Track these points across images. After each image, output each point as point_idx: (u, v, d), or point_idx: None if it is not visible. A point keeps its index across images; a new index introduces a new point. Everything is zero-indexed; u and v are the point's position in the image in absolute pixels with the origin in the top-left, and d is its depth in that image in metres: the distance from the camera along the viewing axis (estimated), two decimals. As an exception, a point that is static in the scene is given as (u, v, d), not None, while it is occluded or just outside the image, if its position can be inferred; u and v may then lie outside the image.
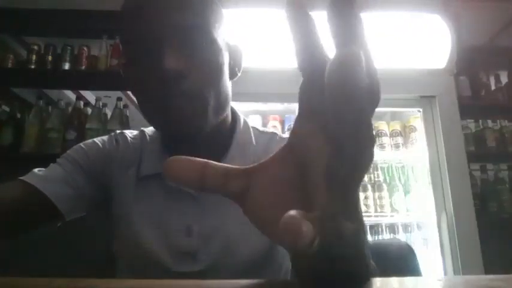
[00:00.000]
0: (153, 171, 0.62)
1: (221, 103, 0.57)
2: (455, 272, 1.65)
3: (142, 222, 0.61)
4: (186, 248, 0.59)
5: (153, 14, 0.52)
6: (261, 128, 0.70)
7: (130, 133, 0.71)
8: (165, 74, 0.49)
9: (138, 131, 0.71)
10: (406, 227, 1.94)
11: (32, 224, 0.61)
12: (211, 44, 0.55)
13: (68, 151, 0.66)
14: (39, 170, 0.62)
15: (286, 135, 0.69)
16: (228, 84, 0.60)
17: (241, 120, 0.67)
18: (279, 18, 1.78)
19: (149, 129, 0.71)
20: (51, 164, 0.64)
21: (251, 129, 0.67)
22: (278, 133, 0.70)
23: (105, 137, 0.69)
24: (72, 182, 0.62)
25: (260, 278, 0.34)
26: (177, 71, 0.50)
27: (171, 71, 0.50)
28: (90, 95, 2.57)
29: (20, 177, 0.60)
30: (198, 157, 0.63)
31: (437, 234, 1.75)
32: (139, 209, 0.62)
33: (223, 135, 0.64)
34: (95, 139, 0.68)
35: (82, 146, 0.66)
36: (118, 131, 0.71)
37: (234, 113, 0.68)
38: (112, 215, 0.65)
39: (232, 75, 0.63)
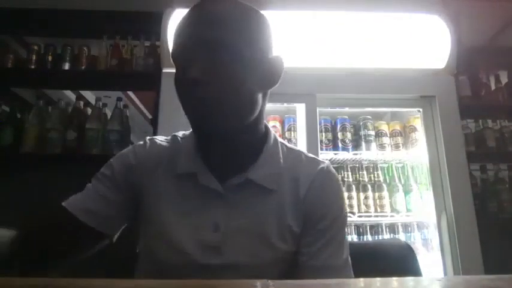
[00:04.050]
0: (186, 170, 0.67)
1: (240, 110, 0.63)
2: (455, 272, 1.65)
3: (173, 218, 0.65)
4: (212, 243, 0.64)
5: (190, 31, 0.62)
6: (288, 145, 0.76)
7: (161, 138, 0.76)
8: (188, 81, 0.59)
9: (171, 135, 0.76)
10: (406, 227, 1.94)
11: (73, 245, 0.67)
12: (234, 58, 0.61)
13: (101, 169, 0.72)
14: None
15: (312, 155, 0.75)
16: (251, 94, 0.64)
17: (272, 136, 0.73)
18: (279, 20, 1.78)
19: (180, 133, 0.76)
20: (87, 184, 0.70)
21: (280, 145, 0.73)
22: (304, 152, 0.75)
23: (133, 145, 0.75)
24: (93, 194, 0.67)
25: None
26: (198, 80, 0.59)
27: (193, 79, 0.59)
28: (90, 95, 2.58)
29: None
30: (228, 161, 0.67)
31: (437, 234, 1.75)
32: (171, 206, 0.66)
33: (253, 145, 0.69)
34: (125, 149, 0.74)
35: (111, 160, 0.72)
36: (148, 137, 0.75)
37: (266, 128, 0.73)
38: (141, 215, 0.69)
39: (265, 85, 0.67)
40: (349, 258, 0.68)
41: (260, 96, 0.66)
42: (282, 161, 0.70)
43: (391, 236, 1.91)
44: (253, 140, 0.69)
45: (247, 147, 0.68)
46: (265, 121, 0.73)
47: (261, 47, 0.64)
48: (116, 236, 0.70)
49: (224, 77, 0.60)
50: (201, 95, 0.59)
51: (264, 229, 0.65)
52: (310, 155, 0.75)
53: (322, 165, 0.72)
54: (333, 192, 0.71)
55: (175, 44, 0.64)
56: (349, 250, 0.69)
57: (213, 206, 0.65)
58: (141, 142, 0.74)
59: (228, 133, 0.64)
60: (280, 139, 0.75)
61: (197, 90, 0.59)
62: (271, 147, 0.71)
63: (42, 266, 0.63)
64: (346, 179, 1.96)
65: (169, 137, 0.75)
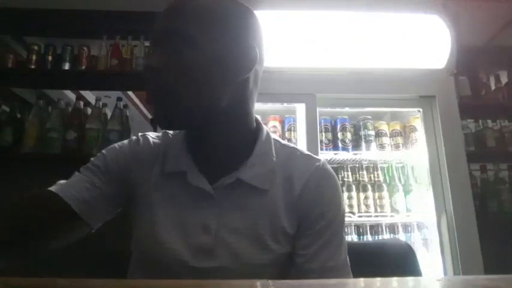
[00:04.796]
0: (176, 169, 0.65)
1: (201, 102, 0.60)
2: (455, 272, 1.65)
3: (163, 217, 0.64)
4: (203, 245, 0.62)
5: (158, 21, 0.62)
6: (282, 141, 0.73)
7: (153, 134, 0.74)
8: (144, 70, 0.60)
9: (162, 132, 0.74)
10: (406, 227, 1.94)
11: (54, 231, 0.63)
12: (193, 49, 0.59)
13: (91, 159, 0.70)
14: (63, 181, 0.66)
15: (307, 152, 0.72)
16: (217, 86, 0.61)
17: (264, 132, 0.70)
18: (280, 20, 1.78)
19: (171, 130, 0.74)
20: (75, 173, 0.67)
21: (272, 142, 0.70)
22: (299, 149, 0.72)
23: (126, 140, 0.73)
24: (89, 184, 0.64)
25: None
26: (153, 68, 0.59)
27: (148, 67, 0.59)
28: (90, 95, 2.58)
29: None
30: (219, 160, 0.66)
31: (437, 234, 1.75)
32: (161, 205, 0.65)
33: (243, 142, 0.67)
34: (116, 143, 0.72)
35: (103, 151, 0.70)
36: (140, 134, 0.74)
37: (258, 124, 0.71)
38: (133, 213, 0.68)
39: (231, 75, 0.62)
40: (348, 259, 0.66)
41: (225, 86, 0.62)
42: (274, 158, 0.68)
43: (391, 236, 1.91)
44: (243, 136, 0.67)
45: (236, 145, 0.66)
46: (256, 116, 0.70)
47: (225, 36, 0.61)
48: (94, 229, 0.67)
49: (181, 67, 0.59)
50: (154, 83, 0.59)
51: (257, 231, 0.63)
52: (305, 151, 0.72)
53: (317, 163, 0.69)
54: (330, 191, 0.67)
55: None
56: (347, 250, 0.67)
57: (203, 207, 0.63)
58: (134, 138, 0.72)
59: (190, 123, 0.63)
60: (274, 135, 0.73)
61: (151, 79, 0.59)
62: (263, 144, 0.68)
63: (20, 250, 0.60)
64: (346, 179, 1.96)
65: (160, 134, 0.74)
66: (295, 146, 0.73)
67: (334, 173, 0.70)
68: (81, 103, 2.05)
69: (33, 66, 2.00)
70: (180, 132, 0.71)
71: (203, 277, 0.59)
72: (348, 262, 0.66)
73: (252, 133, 0.69)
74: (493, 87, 2.31)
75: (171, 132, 0.73)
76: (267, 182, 0.65)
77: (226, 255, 0.61)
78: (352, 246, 0.69)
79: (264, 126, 0.71)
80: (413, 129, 1.98)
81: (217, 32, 0.60)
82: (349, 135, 1.97)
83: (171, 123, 0.62)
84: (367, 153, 1.98)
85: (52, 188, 0.63)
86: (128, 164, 0.68)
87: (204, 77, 0.60)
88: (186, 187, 0.64)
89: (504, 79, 2.32)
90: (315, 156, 0.71)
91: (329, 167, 0.70)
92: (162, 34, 0.61)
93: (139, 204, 0.67)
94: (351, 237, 1.89)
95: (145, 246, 0.65)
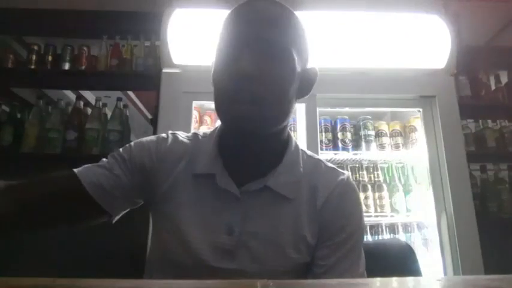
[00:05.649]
0: (206, 171, 0.67)
1: (280, 113, 0.63)
2: (455, 272, 1.65)
3: (187, 217, 0.65)
4: (224, 245, 0.63)
5: (243, 27, 0.62)
6: (308, 153, 0.75)
7: (183, 134, 0.75)
8: (238, 71, 0.59)
9: (191, 133, 0.75)
10: (406, 227, 1.94)
11: (65, 209, 0.65)
12: (285, 60, 0.62)
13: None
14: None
15: (331, 165, 0.74)
16: (291, 100, 0.64)
17: (293, 142, 0.72)
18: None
19: (201, 132, 0.75)
20: (102, 159, 0.69)
21: (300, 152, 0.72)
22: (323, 161, 0.74)
23: (154, 136, 0.74)
24: (108, 171, 0.66)
25: None
26: (247, 72, 0.58)
27: (243, 70, 0.58)
28: (90, 95, 2.58)
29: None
30: (248, 166, 0.67)
31: (437, 234, 1.75)
32: (187, 205, 0.66)
33: (275, 151, 0.69)
34: (145, 138, 0.73)
35: (130, 143, 0.71)
36: (170, 131, 0.75)
37: (288, 134, 0.72)
38: (154, 213, 0.69)
39: (300, 94, 0.69)
40: (365, 273, 0.66)
41: (295, 100, 0.67)
42: (302, 168, 0.69)
43: (391, 236, 1.91)
44: (276, 145, 0.69)
45: (269, 153, 0.68)
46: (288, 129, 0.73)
47: (304, 55, 0.66)
48: (115, 218, 0.69)
49: (272, 76, 0.60)
50: (248, 87, 0.58)
51: (279, 238, 0.64)
52: (330, 164, 0.74)
53: (342, 177, 0.70)
54: (352, 204, 0.69)
55: (224, 40, 0.64)
56: (365, 264, 0.66)
57: (229, 209, 0.64)
58: (164, 135, 0.73)
59: (262, 133, 0.63)
60: (300, 145, 0.74)
61: (242, 83, 0.59)
62: (292, 154, 0.70)
63: (29, 224, 0.62)
64: (346, 179, 1.95)
65: (190, 134, 0.75)
66: (321, 158, 0.75)
67: (356, 188, 0.72)
68: (81, 103, 2.05)
69: (33, 66, 2.00)
70: (212, 134, 0.72)
71: (220, 277, 0.59)
72: (366, 276, 0.66)
73: (283, 142, 0.70)
74: (493, 87, 2.31)
75: (201, 134, 0.74)
76: (293, 191, 0.66)
77: (246, 258, 0.62)
78: (352, 247, 0.69)
79: (293, 137, 0.73)
80: (413, 129, 1.98)
81: (302, 48, 0.65)
82: (349, 135, 1.97)
83: (247, 125, 0.60)
84: (367, 153, 1.98)
85: (75, 169, 0.66)
86: (152, 163, 0.68)
87: (288, 90, 0.63)
88: (213, 189, 0.65)
89: (504, 79, 2.32)
90: (339, 169, 0.73)
91: (352, 181, 0.72)
92: (262, 42, 0.61)
93: (163, 201, 0.67)
94: (351, 237, 1.88)
95: (168, 243, 0.65)
